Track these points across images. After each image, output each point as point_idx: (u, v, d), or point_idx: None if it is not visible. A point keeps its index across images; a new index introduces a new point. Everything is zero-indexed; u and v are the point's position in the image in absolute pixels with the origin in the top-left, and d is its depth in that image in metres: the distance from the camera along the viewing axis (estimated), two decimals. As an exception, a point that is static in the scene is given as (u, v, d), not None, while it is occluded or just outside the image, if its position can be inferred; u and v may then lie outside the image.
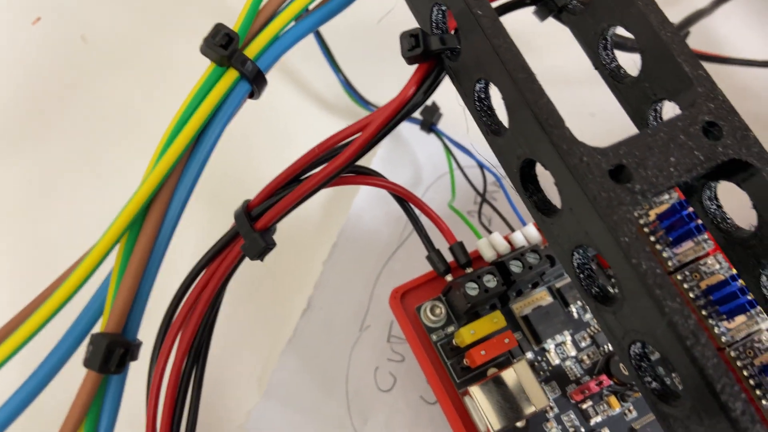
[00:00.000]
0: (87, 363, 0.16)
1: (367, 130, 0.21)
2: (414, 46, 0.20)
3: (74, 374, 0.19)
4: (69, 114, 0.34)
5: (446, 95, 0.25)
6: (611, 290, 0.18)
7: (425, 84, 0.21)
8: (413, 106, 0.21)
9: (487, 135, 0.20)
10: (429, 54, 0.20)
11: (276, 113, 0.34)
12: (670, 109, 0.21)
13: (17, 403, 0.15)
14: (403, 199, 0.26)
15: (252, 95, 0.20)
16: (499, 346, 0.23)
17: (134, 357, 0.17)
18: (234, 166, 0.32)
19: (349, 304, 0.31)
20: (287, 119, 0.34)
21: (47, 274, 0.31)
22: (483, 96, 0.20)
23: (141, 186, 0.17)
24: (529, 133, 0.17)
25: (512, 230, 0.28)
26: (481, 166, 0.31)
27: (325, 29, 0.33)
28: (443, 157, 0.33)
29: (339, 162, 0.21)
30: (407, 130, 0.34)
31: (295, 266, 0.31)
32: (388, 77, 0.36)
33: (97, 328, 0.17)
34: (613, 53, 0.21)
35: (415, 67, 0.21)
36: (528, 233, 0.27)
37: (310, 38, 0.34)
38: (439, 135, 0.32)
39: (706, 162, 0.17)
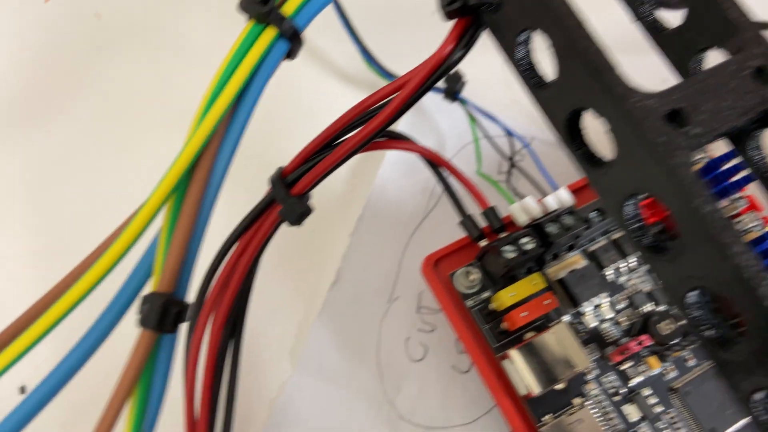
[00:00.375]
0: (143, 322, 0.16)
1: (404, 89, 0.20)
2: (452, 0, 0.20)
3: (119, 339, 0.18)
4: (85, 93, 0.33)
5: (470, 62, 0.24)
6: (664, 239, 0.18)
7: (463, 40, 0.20)
8: (452, 64, 0.20)
9: (530, 89, 0.19)
10: (467, 9, 0.20)
11: (296, 88, 0.34)
12: (714, 59, 0.20)
13: (72, 363, 0.15)
14: (435, 163, 0.25)
15: (289, 55, 0.20)
16: (539, 307, 0.23)
17: (185, 317, 0.17)
18: (256, 145, 0.31)
19: (377, 276, 0.30)
20: (306, 94, 0.34)
21: (75, 251, 0.31)
22: (526, 49, 0.19)
23: (185, 147, 0.17)
24: (580, 81, 0.17)
25: (543, 195, 0.28)
26: (509, 132, 0.31)
27: (342, -1, 0.33)
28: (467, 126, 0.33)
29: (376, 124, 0.21)
30: (429, 99, 0.33)
31: (322, 239, 0.31)
32: (408, 48, 0.36)
33: (147, 291, 0.17)
34: (652, 3, 0.21)
35: (451, 24, 0.21)
36: (560, 197, 0.27)
37: (326, 8, 0.33)
38: (464, 103, 0.32)
39: (760, 105, 0.17)
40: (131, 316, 0.18)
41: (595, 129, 0.19)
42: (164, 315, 0.15)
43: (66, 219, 0.31)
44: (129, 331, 0.17)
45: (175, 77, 0.34)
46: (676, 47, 0.20)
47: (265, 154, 0.32)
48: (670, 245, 0.18)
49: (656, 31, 0.21)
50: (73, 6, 0.35)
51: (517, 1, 0.18)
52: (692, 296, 0.17)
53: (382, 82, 0.34)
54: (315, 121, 0.33)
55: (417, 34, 0.37)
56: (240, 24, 0.36)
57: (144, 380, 0.16)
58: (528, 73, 0.19)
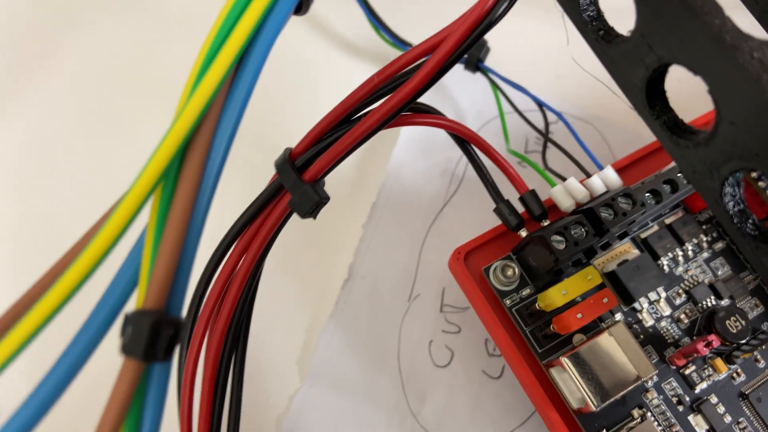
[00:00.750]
0: (127, 349, 0.12)
1: (439, 51, 0.17)
2: (498, -62, 0.16)
3: (100, 365, 0.15)
4: (57, 68, 0.29)
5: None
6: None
7: (510, -12, 0.17)
8: (496, 18, 0.17)
9: (596, 44, 0.16)
10: (514, -52, 0.16)
11: (297, 60, 0.30)
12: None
13: (36, 407, 0.11)
14: (465, 140, 0.22)
15: (299, 9, 0.16)
16: (597, 308, 0.20)
17: (181, 337, 0.13)
18: (254, 123, 0.28)
19: (395, 271, 0.27)
20: (309, 66, 0.30)
21: (54, 245, 0.27)
22: (592, -5, 0.16)
23: (175, 123, 0.13)
24: (672, 30, 0.14)
25: (588, 175, 0.24)
26: (540, 103, 0.27)
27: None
28: (488, 100, 0.29)
29: (405, 92, 0.17)
30: (446, 71, 0.30)
31: (332, 231, 0.27)
32: (421, 13, 0.32)
33: (131, 305, 0.13)
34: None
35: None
36: (607, 177, 0.23)
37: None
38: (487, 73, 0.28)
39: None
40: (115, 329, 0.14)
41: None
42: (154, 340, 0.12)
43: (46, 211, 0.28)
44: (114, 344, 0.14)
45: (160, 42, 0.30)
46: (766, -7, 0.17)
47: (266, 134, 0.28)
48: (778, 233, 0.14)
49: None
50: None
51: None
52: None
53: (394, 53, 0.31)
54: (320, 96, 0.30)
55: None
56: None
57: (130, 420, 0.12)
58: (594, 24, 0.16)
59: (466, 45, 0.17)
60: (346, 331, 0.26)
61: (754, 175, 0.23)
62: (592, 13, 0.16)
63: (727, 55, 0.13)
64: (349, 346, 0.26)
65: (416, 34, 0.30)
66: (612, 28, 0.16)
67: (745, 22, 0.17)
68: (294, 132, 0.28)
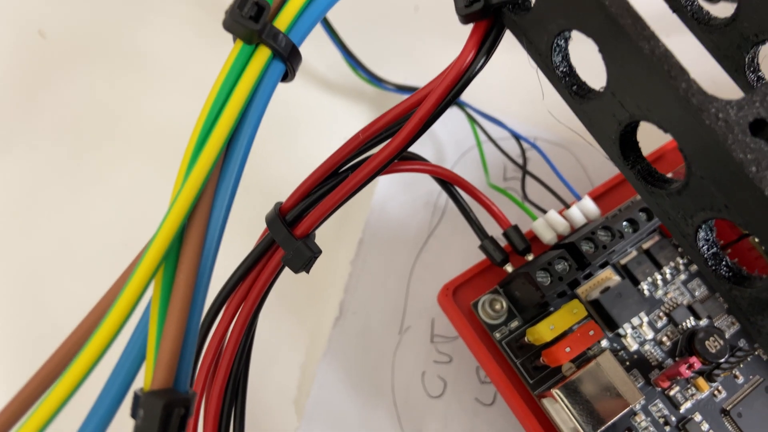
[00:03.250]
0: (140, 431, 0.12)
1: (423, 107, 0.17)
2: (472, 1, 0.17)
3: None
4: (37, 118, 0.29)
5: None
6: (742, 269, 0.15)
7: (485, 46, 0.17)
8: (474, 73, 0.17)
9: (570, 99, 0.17)
10: (487, 9, 0.17)
11: (278, 101, 0.30)
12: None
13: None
14: (449, 182, 0.22)
15: (286, 77, 0.16)
16: (584, 340, 0.21)
17: (191, 413, 0.13)
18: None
19: (385, 305, 0.28)
20: (291, 107, 0.31)
21: (35, 304, 0.27)
22: (563, 53, 0.16)
23: (173, 204, 0.14)
24: (642, 91, 0.14)
25: (560, 200, 0.25)
26: (515, 135, 0.28)
27: None
28: (466, 131, 0.30)
29: (394, 147, 0.18)
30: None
31: (320, 269, 0.28)
32: (391, 47, 0.33)
33: (138, 382, 0.13)
34: (693, -8, 0.18)
35: (469, 27, 0.18)
36: (585, 207, 0.24)
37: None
38: (462, 107, 0.29)
39: None
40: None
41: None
42: (166, 421, 0.12)
43: (31, 264, 0.28)
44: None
45: (139, 92, 0.31)
46: (725, 41, 0.18)
47: (248, 178, 0.29)
48: (748, 275, 0.15)
49: (701, 23, 0.18)
50: (12, 26, 0.31)
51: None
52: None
53: (368, 88, 0.31)
54: (301, 135, 0.30)
55: (400, 31, 0.34)
56: (204, 29, 0.33)
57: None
58: (567, 80, 0.17)
59: (447, 100, 0.17)
60: (340, 368, 0.26)
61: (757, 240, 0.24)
62: (564, 69, 0.17)
63: (694, 116, 0.14)
64: (344, 382, 0.26)
65: (390, 68, 0.31)
66: (584, 83, 0.17)
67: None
68: (275, 171, 0.29)
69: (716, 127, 0.13)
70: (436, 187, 0.29)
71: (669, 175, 0.26)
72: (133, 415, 0.13)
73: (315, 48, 0.31)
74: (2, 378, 0.26)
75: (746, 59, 0.18)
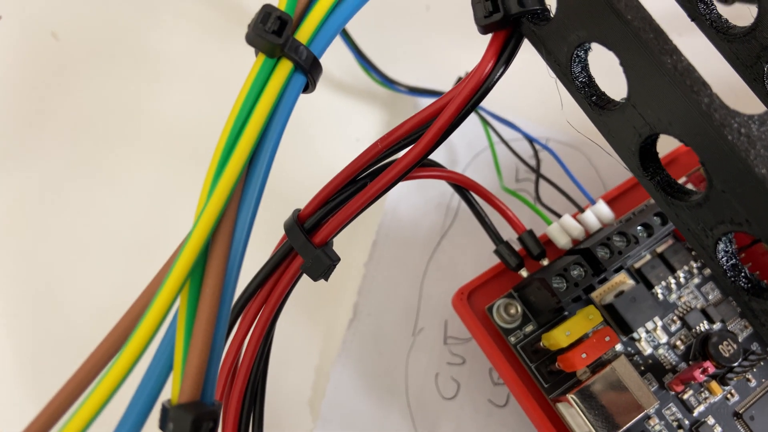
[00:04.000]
0: (170, 450, 0.13)
1: (442, 116, 0.17)
2: (492, 12, 0.17)
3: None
4: (51, 120, 0.30)
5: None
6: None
7: (504, 55, 0.17)
8: (493, 83, 0.18)
9: (589, 109, 0.17)
10: (506, 19, 0.17)
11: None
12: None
13: None
14: (464, 188, 0.23)
15: (306, 88, 0.16)
16: (600, 346, 0.21)
17: (218, 425, 0.14)
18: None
19: (398, 307, 0.28)
20: (300, 109, 0.31)
21: (51, 306, 0.27)
22: (583, 63, 0.17)
23: (198, 221, 0.14)
24: (663, 104, 0.14)
25: (579, 208, 0.25)
26: (530, 139, 0.28)
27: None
28: (478, 132, 0.30)
29: (413, 155, 0.18)
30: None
31: (334, 272, 0.28)
32: (403, 49, 0.33)
33: (165, 394, 0.14)
34: (712, 0, 0.18)
35: (488, 37, 0.18)
36: (600, 212, 0.24)
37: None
38: (476, 109, 0.29)
39: None
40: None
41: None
42: (196, 435, 0.13)
43: (47, 266, 0.28)
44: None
45: (152, 92, 0.31)
46: (745, 49, 0.18)
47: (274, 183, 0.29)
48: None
49: (720, 32, 0.18)
50: (26, 28, 0.31)
51: (574, 10, 0.16)
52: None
53: (381, 90, 0.31)
54: (312, 137, 0.31)
55: (411, 31, 0.34)
56: (215, 28, 0.33)
57: None
58: (587, 90, 0.17)
59: (467, 109, 0.17)
60: (355, 370, 0.27)
61: None
62: (584, 80, 0.17)
63: (716, 131, 0.14)
64: (359, 384, 0.26)
65: (402, 70, 0.31)
66: (604, 94, 0.17)
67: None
68: (290, 176, 0.29)
69: (738, 142, 0.13)
70: (448, 188, 0.29)
71: (683, 179, 0.26)
72: (162, 427, 0.13)
73: (328, 51, 0.31)
74: (20, 380, 0.26)
75: (766, 69, 0.18)
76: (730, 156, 0.14)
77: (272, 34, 0.14)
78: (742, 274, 0.16)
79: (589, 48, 0.16)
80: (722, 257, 0.15)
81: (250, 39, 0.15)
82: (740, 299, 0.16)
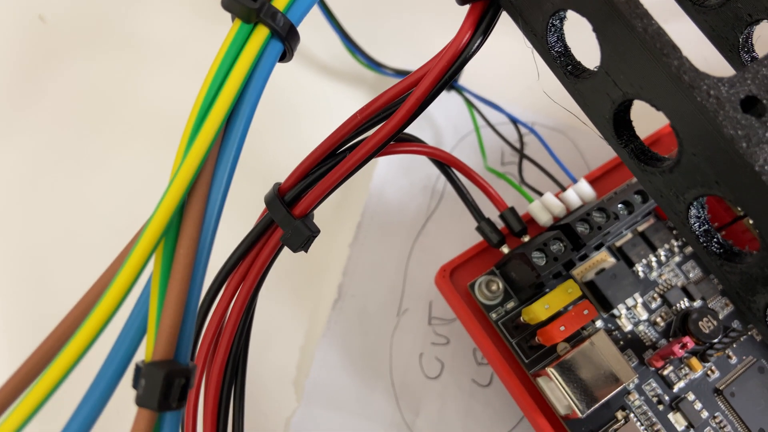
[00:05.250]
0: (141, 401, 0.13)
1: (419, 87, 0.17)
2: (469, -19, 0.17)
3: (110, 417, 0.15)
4: (38, 103, 0.30)
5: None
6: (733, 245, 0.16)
7: (482, 26, 0.18)
8: (470, 54, 0.18)
9: (564, 79, 0.17)
10: (484, -11, 0.17)
11: (276, 86, 0.31)
12: (765, 33, 0.18)
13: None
14: (446, 164, 0.23)
15: (284, 56, 0.17)
16: (578, 319, 0.21)
17: (192, 384, 0.14)
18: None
19: (383, 288, 0.28)
20: (285, 91, 0.31)
21: (39, 290, 0.27)
22: (558, 33, 0.17)
23: (173, 180, 0.14)
24: (634, 69, 0.15)
25: (558, 185, 0.26)
26: (513, 120, 0.28)
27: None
28: (465, 116, 0.30)
29: (390, 128, 0.18)
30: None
31: (319, 252, 0.28)
32: (390, 31, 0.33)
33: (140, 355, 0.14)
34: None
35: (466, 8, 0.18)
36: (581, 190, 0.24)
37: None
38: (460, 91, 0.29)
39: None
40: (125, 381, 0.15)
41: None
42: (167, 391, 0.13)
43: (36, 252, 0.28)
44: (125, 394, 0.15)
45: (140, 76, 0.31)
46: (720, 21, 0.18)
47: (247, 162, 0.29)
48: (747, 253, 0.15)
49: (697, 3, 0.18)
50: (12, 11, 0.31)
51: (549, -23, 0.16)
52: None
53: (367, 73, 0.31)
54: (300, 119, 0.31)
55: (398, 14, 0.34)
56: (201, 10, 0.33)
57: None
58: (562, 60, 0.17)
59: (444, 81, 0.18)
60: (339, 350, 0.27)
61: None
62: (559, 49, 0.17)
63: (686, 93, 0.14)
64: (343, 364, 0.27)
65: (389, 53, 0.31)
66: (579, 63, 0.17)
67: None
68: (277, 157, 0.29)
69: (707, 103, 0.14)
70: (434, 171, 0.30)
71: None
72: (135, 385, 0.13)
73: (314, 33, 0.31)
74: (8, 363, 0.26)
75: (740, 40, 0.18)
76: (699, 118, 0.14)
77: (247, -1, 0.14)
78: (714, 239, 0.16)
79: (565, 17, 0.16)
80: (694, 223, 0.16)
81: (226, 4, 0.15)
82: (713, 265, 0.16)
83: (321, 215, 0.29)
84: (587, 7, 0.15)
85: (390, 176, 0.29)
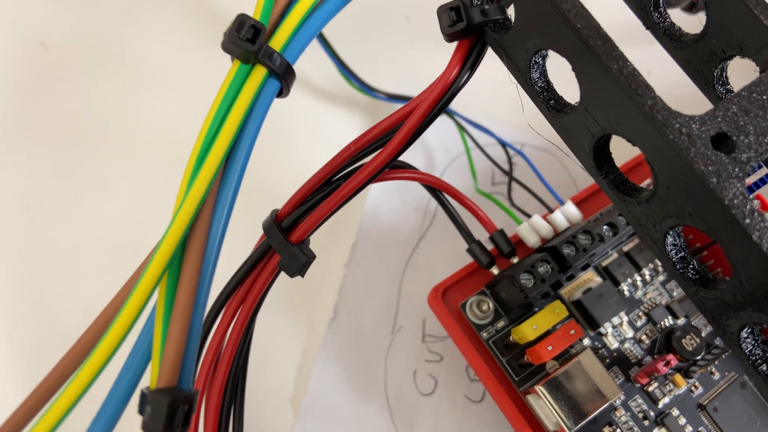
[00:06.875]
0: (147, 426, 0.13)
1: (411, 119, 0.18)
2: (455, 21, 0.18)
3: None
4: (40, 127, 0.30)
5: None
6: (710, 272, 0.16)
7: (469, 62, 0.18)
8: (458, 88, 0.19)
9: (547, 113, 0.18)
10: (470, 28, 0.18)
11: (272, 110, 0.32)
12: (739, 66, 0.19)
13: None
14: (437, 189, 0.24)
15: (281, 93, 0.17)
16: (565, 339, 0.22)
17: (194, 409, 0.14)
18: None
19: (378, 306, 0.29)
20: (285, 116, 0.32)
21: (42, 310, 0.28)
22: (541, 70, 0.18)
23: (176, 215, 0.15)
24: (611, 106, 0.15)
25: (545, 205, 0.26)
26: (502, 143, 0.29)
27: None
28: (456, 138, 0.31)
29: (383, 158, 0.19)
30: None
31: (315, 272, 0.29)
32: (383, 58, 0.34)
33: (144, 381, 0.14)
34: (665, 9, 0.19)
35: (454, 45, 0.19)
36: (568, 212, 0.25)
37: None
38: (451, 115, 0.30)
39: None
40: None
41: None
42: (172, 417, 0.13)
43: (37, 269, 0.29)
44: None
45: (139, 99, 0.32)
46: (696, 56, 0.19)
47: (245, 187, 0.30)
48: (714, 277, 0.16)
49: (673, 39, 0.19)
50: (15, 39, 0.31)
51: (529, 20, 0.17)
52: (745, 333, 0.16)
53: (361, 97, 0.32)
54: (295, 144, 0.32)
55: (391, 40, 0.35)
56: (198, 36, 0.33)
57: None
58: (545, 95, 0.18)
59: (434, 113, 0.18)
60: (336, 367, 0.27)
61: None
62: (542, 85, 0.18)
63: (659, 131, 0.15)
64: (339, 381, 0.27)
65: (382, 77, 0.32)
66: (561, 98, 0.18)
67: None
68: (270, 180, 0.30)
69: (679, 141, 0.14)
70: (426, 192, 0.30)
71: (646, 182, 0.27)
72: (141, 411, 0.14)
73: (309, 58, 0.32)
74: (12, 381, 0.27)
75: (715, 74, 0.19)
76: (672, 154, 0.15)
77: (246, 42, 0.15)
78: (691, 266, 0.17)
79: (547, 55, 0.17)
80: (671, 250, 0.16)
81: (226, 46, 0.16)
82: (689, 290, 0.16)
83: (317, 235, 0.30)
84: (566, 48, 0.16)
85: (384, 197, 0.30)
